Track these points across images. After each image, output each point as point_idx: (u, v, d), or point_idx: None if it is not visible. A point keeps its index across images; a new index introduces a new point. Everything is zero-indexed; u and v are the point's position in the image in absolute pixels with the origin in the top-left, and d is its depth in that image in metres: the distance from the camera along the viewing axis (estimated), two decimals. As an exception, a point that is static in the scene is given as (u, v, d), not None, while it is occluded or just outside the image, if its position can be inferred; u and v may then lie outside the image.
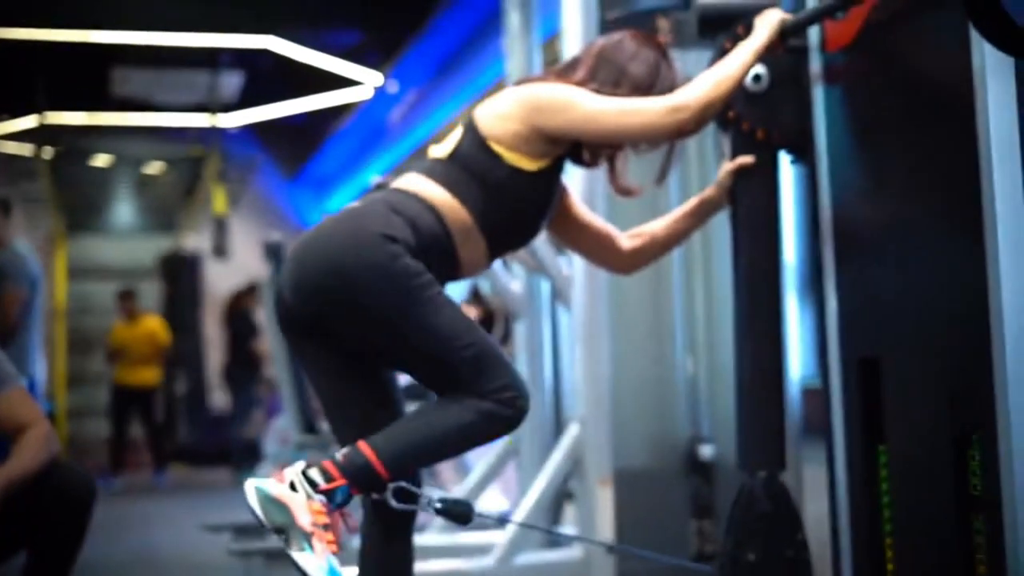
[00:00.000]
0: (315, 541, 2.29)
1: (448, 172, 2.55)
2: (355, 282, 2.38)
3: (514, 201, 2.54)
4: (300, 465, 2.37)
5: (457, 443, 2.43)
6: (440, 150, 2.60)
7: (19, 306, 4.97)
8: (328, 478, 2.34)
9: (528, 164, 2.53)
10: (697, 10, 2.79)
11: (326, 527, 2.31)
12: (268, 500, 2.32)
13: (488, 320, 6.77)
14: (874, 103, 2.44)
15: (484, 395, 2.37)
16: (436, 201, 2.51)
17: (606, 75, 2.62)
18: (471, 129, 2.57)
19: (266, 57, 11.86)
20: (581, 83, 2.60)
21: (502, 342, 7.22)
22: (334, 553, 2.30)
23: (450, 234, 2.51)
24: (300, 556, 2.28)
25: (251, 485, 2.36)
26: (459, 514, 2.46)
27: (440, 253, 2.49)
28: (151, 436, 10.98)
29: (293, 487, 2.33)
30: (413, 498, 2.40)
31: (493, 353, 2.41)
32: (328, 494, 2.33)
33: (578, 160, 2.70)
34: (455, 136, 2.59)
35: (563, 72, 2.68)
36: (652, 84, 2.62)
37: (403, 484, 2.39)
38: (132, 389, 10.80)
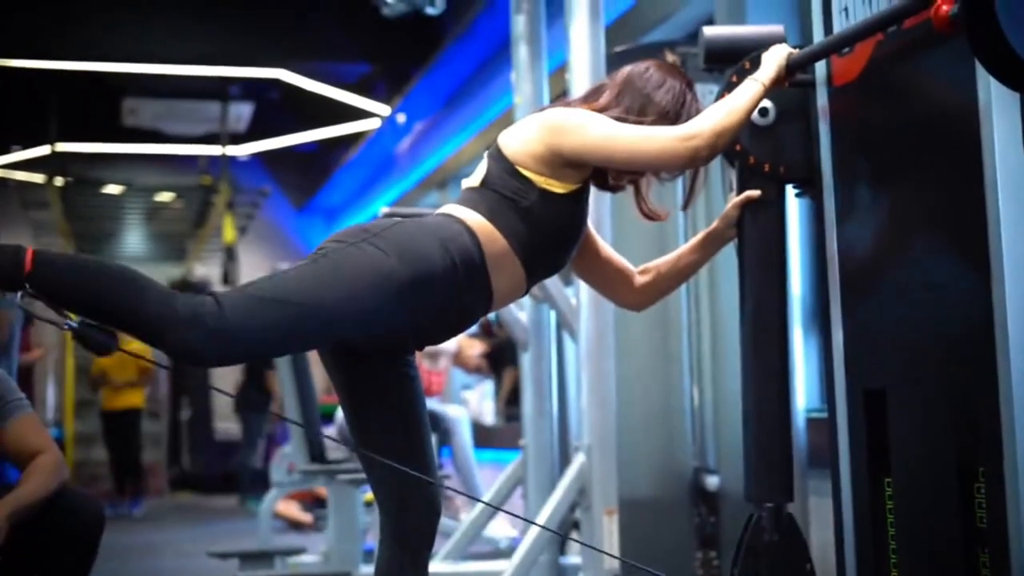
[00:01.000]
0: None
1: (484, 199, 2.55)
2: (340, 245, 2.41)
3: (547, 224, 2.54)
4: None
5: (111, 302, 2.25)
6: (472, 180, 2.61)
7: (6, 328, 4.96)
8: None
9: (557, 187, 2.53)
10: (704, 44, 2.80)
11: None
12: None
13: (498, 353, 6.78)
14: (880, 137, 2.45)
15: (199, 305, 2.27)
16: (474, 225, 2.51)
17: (631, 102, 2.62)
18: (497, 156, 2.58)
19: (276, 88, 11.92)
20: (604, 108, 2.61)
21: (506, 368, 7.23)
22: None
23: (484, 259, 2.50)
24: None
25: None
26: (97, 340, 2.29)
27: (472, 274, 2.48)
28: (130, 461, 10.94)
29: None
30: (50, 302, 2.25)
31: (261, 312, 2.29)
32: None
33: (603, 184, 2.71)
34: (483, 166, 2.60)
35: (588, 97, 2.69)
36: (678, 114, 2.62)
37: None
38: (117, 413, 10.81)
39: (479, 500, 4.93)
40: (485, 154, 2.62)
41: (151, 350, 2.37)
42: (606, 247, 2.83)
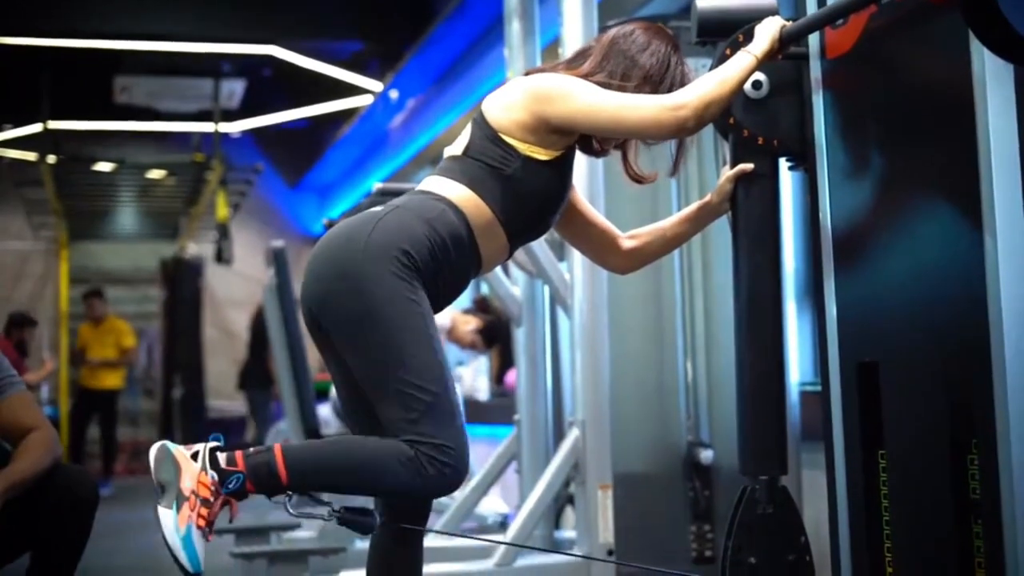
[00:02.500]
0: (185, 507, 2.29)
1: (465, 168, 2.55)
2: (355, 288, 2.39)
3: (531, 191, 2.54)
4: (215, 444, 2.39)
5: (366, 481, 2.38)
6: (454, 148, 2.60)
7: None
8: (231, 461, 2.35)
9: (541, 154, 2.53)
10: (697, 16, 2.78)
11: (205, 502, 2.30)
12: (167, 457, 2.35)
13: (492, 329, 6.77)
14: (874, 110, 2.44)
15: (416, 444, 2.32)
16: (458, 200, 2.51)
17: (615, 66, 2.61)
18: (481, 123, 2.57)
19: (268, 65, 11.88)
20: (588, 74, 2.60)
21: (502, 347, 7.23)
22: (199, 528, 2.29)
23: (472, 232, 2.51)
24: (163, 511, 2.29)
25: (162, 442, 2.39)
26: (362, 524, 2.42)
27: (461, 252, 2.49)
28: (105, 441, 10.85)
29: (196, 456, 2.34)
30: (313, 504, 2.40)
31: (448, 409, 2.36)
32: (224, 476, 2.33)
33: (588, 149, 2.70)
34: (466, 132, 2.59)
35: (571, 62, 2.68)
36: (662, 77, 2.62)
37: (310, 493, 2.39)
38: (94, 392, 10.71)
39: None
40: (470, 121, 2.61)
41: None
42: (591, 210, 2.84)
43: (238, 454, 2.36)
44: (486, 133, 2.55)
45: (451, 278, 2.51)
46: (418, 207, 2.48)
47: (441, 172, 2.58)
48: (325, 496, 2.47)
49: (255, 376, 10.90)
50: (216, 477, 2.32)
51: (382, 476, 2.34)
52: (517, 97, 2.55)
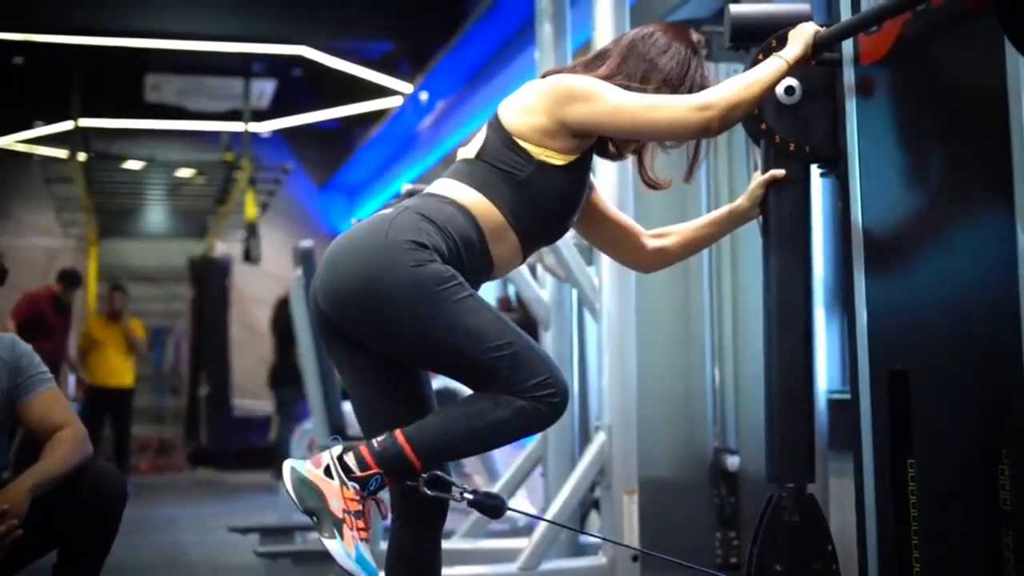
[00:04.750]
0: (345, 528, 2.30)
1: (477, 172, 2.53)
2: (383, 290, 2.38)
3: (545, 197, 2.52)
4: (337, 449, 2.39)
5: (492, 438, 2.42)
6: (468, 151, 2.59)
7: None
8: (363, 465, 2.35)
9: (557, 159, 2.51)
10: (730, 21, 2.78)
11: (357, 514, 2.33)
12: (303, 483, 2.35)
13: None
14: (907, 116, 2.43)
15: (520, 393, 2.36)
16: (468, 203, 2.50)
17: (634, 68, 2.60)
18: (496, 126, 2.56)
19: (298, 65, 11.93)
20: (607, 76, 2.58)
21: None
22: (364, 540, 2.32)
23: (483, 235, 2.49)
24: (330, 543, 2.30)
25: (288, 466, 2.39)
26: (491, 507, 2.45)
27: (473, 255, 2.48)
28: (119, 443, 10.30)
29: (328, 472, 2.35)
30: (446, 487, 2.40)
31: (529, 350, 2.39)
32: (363, 482, 2.34)
33: (605, 153, 2.69)
34: (481, 135, 2.59)
35: (590, 63, 2.67)
36: (682, 80, 2.60)
37: (437, 473, 2.38)
38: (107, 390, 10.05)
39: (535, 516, 4.94)
40: (485, 123, 2.61)
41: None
42: (612, 209, 2.83)
43: (366, 454, 2.37)
44: (501, 137, 2.54)
45: (464, 280, 2.50)
46: (428, 209, 2.47)
47: (452, 175, 2.58)
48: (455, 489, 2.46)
49: (284, 375, 10.85)
50: (357, 486, 2.34)
51: (505, 432, 2.40)
52: (535, 100, 2.53)
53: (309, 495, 2.33)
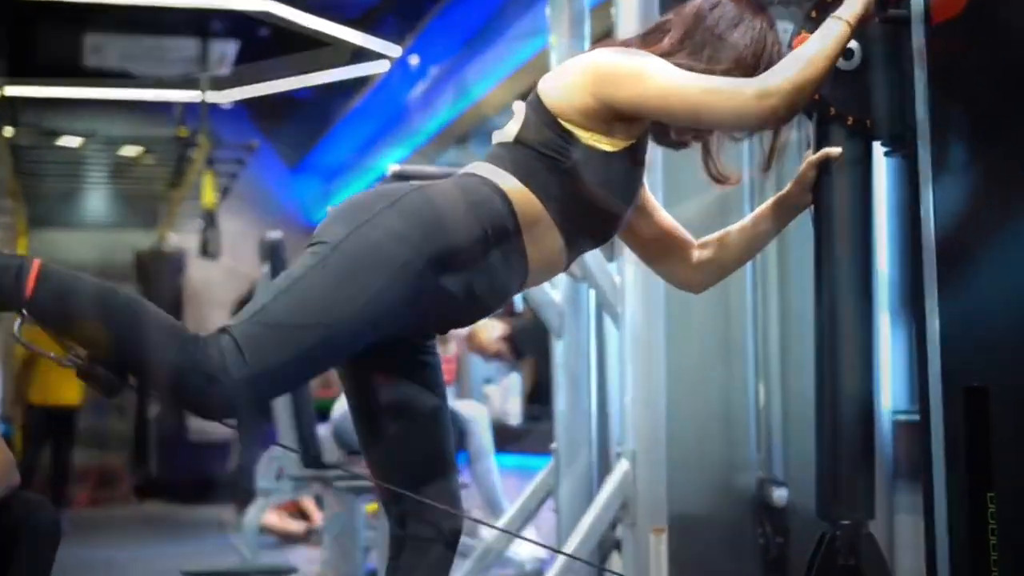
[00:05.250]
0: None
1: (516, 157, 2.55)
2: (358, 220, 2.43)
3: (594, 187, 2.53)
4: None
5: (123, 339, 2.33)
6: (503, 134, 2.61)
7: None
8: None
9: (607, 144, 2.52)
10: (778, -28, 2.79)
11: None
12: None
13: (522, 337, 6.78)
14: (987, 85, 2.43)
15: (212, 338, 2.32)
16: (507, 188, 2.51)
17: (699, 45, 2.60)
18: (536, 106, 2.57)
19: (265, 24, 11.92)
20: (668, 53, 2.59)
21: (537, 361, 7.23)
22: None
23: (519, 228, 2.50)
24: None
25: None
26: (104, 380, 2.35)
27: (505, 250, 2.49)
28: (58, 468, 10.60)
29: None
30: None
31: (281, 345, 2.33)
32: None
33: (664, 139, 2.70)
34: (518, 116, 2.60)
35: (646, 37, 2.67)
36: (757, 60, 2.61)
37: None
38: (48, 410, 10.38)
39: (492, 526, 4.96)
40: (523, 103, 2.61)
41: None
42: (663, 213, 2.83)
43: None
44: (543, 118, 2.55)
45: (489, 282, 2.50)
46: (460, 190, 2.49)
47: (488, 159, 2.59)
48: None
49: None
50: None
51: (142, 360, 2.32)
52: (579, 77, 2.55)
53: None
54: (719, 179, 2.74)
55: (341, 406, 5.89)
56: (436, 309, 2.48)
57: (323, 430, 6.73)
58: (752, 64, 2.60)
